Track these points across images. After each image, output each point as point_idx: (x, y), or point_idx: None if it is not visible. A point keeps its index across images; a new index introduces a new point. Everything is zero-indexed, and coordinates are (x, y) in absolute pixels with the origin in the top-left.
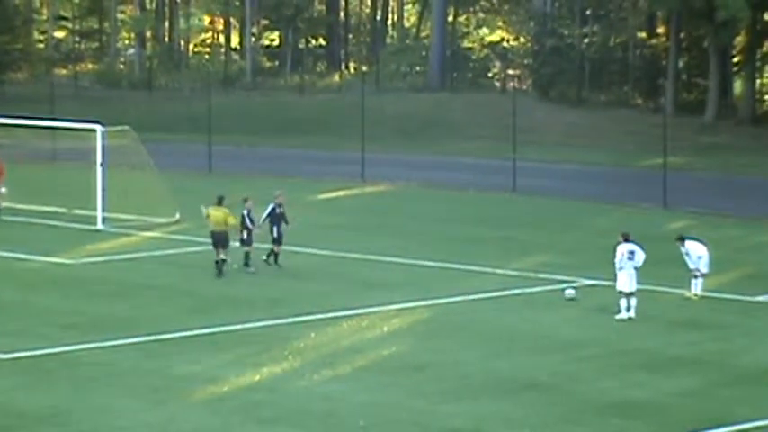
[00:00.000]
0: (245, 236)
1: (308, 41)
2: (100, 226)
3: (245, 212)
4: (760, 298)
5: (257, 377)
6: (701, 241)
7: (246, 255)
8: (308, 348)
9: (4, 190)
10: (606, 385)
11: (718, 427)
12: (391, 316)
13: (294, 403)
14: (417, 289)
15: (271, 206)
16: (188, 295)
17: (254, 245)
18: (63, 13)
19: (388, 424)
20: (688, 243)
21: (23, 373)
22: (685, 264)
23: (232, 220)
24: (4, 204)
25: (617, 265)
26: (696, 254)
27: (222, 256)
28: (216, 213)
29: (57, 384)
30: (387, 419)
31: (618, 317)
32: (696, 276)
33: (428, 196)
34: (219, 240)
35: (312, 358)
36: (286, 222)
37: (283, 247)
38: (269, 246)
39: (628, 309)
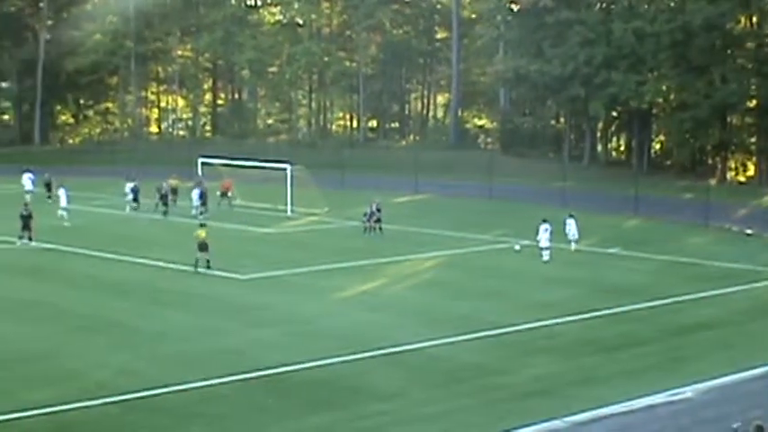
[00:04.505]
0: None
1: (390, 123)
2: (289, 213)
3: (373, 207)
4: (611, 250)
5: (365, 287)
6: (575, 219)
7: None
8: (389, 274)
9: (237, 200)
10: (535, 292)
11: (601, 311)
12: (428, 260)
13: (385, 300)
14: (440, 246)
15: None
16: (332, 248)
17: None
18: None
19: (430, 311)
20: (569, 220)
21: (253, 287)
22: (568, 231)
23: None
24: (238, 200)
25: (538, 234)
26: (574, 226)
27: None
28: None
29: (272, 290)
30: (429, 309)
31: (542, 260)
32: (574, 240)
33: (446, 201)
34: None
35: (392, 278)
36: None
37: (372, 225)
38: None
39: (545, 256)
